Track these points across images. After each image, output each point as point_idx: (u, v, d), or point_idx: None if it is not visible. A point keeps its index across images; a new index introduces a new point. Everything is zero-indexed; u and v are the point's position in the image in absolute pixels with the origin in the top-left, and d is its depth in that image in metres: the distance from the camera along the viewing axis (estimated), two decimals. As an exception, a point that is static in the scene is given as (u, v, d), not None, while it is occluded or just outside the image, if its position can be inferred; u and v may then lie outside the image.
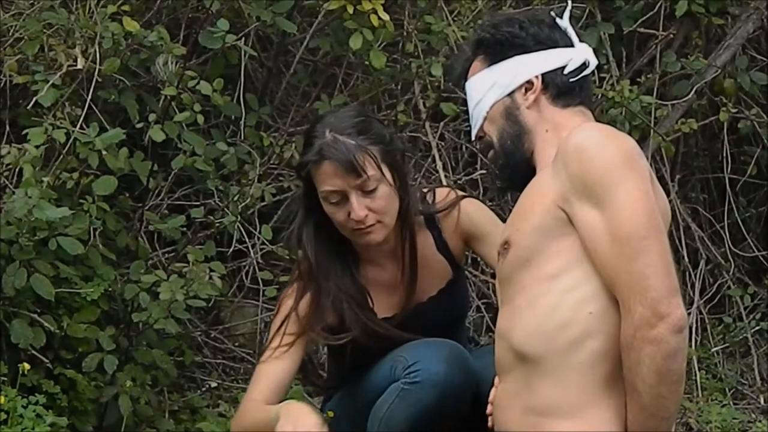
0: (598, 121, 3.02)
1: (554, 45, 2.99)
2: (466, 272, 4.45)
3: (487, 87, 3.01)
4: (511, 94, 2.98)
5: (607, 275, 2.69)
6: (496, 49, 3.01)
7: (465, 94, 3.11)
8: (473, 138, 3.10)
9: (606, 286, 2.70)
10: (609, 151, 2.73)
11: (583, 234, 2.72)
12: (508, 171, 2.99)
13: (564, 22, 3.03)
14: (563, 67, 2.97)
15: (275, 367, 3.35)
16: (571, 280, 2.74)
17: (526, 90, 2.97)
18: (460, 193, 3.52)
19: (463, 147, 5.12)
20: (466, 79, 3.10)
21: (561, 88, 2.96)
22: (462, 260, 3.56)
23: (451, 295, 3.48)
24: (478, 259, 4.36)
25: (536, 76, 2.96)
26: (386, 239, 3.34)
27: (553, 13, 3.05)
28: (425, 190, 3.53)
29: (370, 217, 3.26)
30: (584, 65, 2.99)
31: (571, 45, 3.01)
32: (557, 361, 2.73)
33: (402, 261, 3.40)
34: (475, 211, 3.48)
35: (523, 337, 2.78)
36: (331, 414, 3.43)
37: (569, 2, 3.09)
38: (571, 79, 2.97)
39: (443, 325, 3.42)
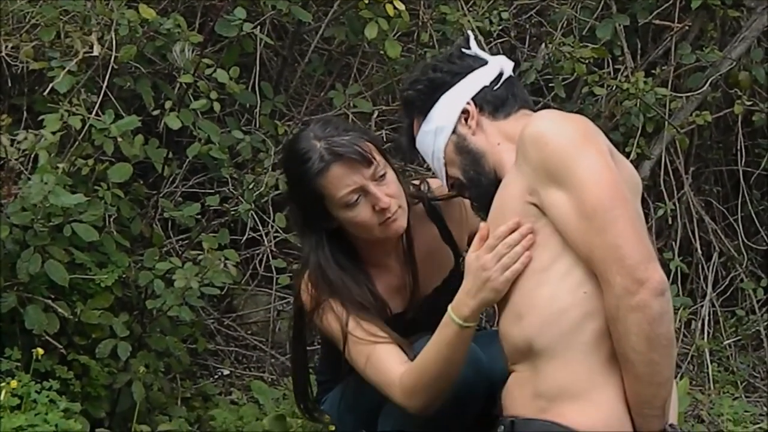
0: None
1: (470, 70, 3.14)
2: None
3: (432, 136, 3.14)
4: (454, 131, 3.11)
5: (581, 252, 2.74)
6: (423, 99, 3.16)
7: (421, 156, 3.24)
8: (448, 189, 3.22)
9: (586, 264, 2.74)
10: (563, 132, 2.81)
11: (553, 217, 2.79)
12: (483, 198, 3.07)
13: (471, 48, 3.16)
14: (488, 85, 3.11)
15: (386, 344, 3.21)
16: (562, 267, 2.79)
17: (466, 119, 3.10)
18: None
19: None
20: (415, 143, 3.22)
21: (495, 103, 3.10)
22: (464, 249, 3.49)
23: (455, 284, 3.44)
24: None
25: (468, 103, 3.10)
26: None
27: (458, 43, 3.21)
28: (416, 181, 3.52)
29: (393, 204, 3.25)
30: (501, 74, 3.12)
31: (485, 63, 3.14)
32: (562, 345, 2.76)
33: (404, 252, 3.39)
34: None
35: (527, 331, 2.81)
36: (332, 429, 3.45)
37: (470, 34, 3.23)
38: (499, 90, 3.10)
39: None
